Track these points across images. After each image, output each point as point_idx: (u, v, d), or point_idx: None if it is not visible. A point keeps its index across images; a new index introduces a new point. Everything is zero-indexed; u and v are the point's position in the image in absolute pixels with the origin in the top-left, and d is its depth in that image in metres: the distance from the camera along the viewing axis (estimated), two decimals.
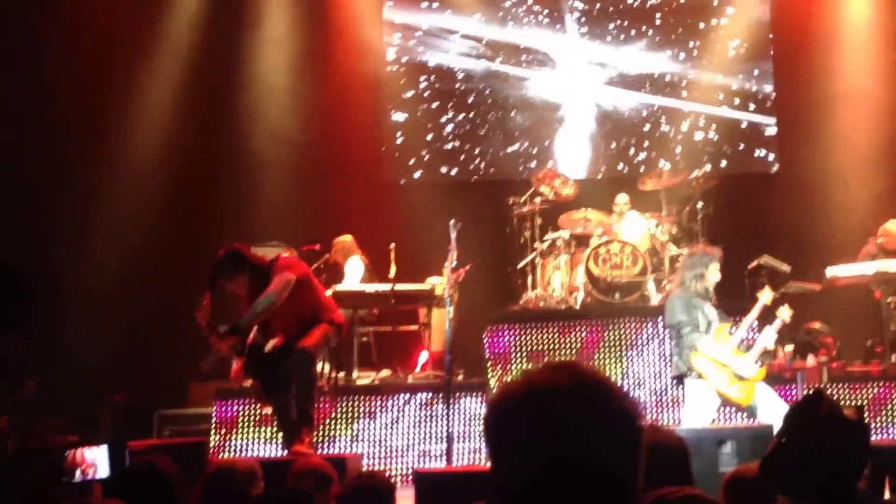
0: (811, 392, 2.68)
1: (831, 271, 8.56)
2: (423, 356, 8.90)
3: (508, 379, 1.81)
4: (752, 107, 11.26)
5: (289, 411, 6.56)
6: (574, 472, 1.54)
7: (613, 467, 1.56)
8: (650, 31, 11.39)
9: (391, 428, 7.97)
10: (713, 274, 6.69)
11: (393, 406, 8.01)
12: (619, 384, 1.67)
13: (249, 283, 6.47)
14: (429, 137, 11.41)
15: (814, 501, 2.47)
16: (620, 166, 11.30)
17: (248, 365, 6.53)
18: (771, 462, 2.62)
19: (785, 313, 6.76)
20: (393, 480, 7.21)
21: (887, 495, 4.41)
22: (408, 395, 8.05)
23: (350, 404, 8.01)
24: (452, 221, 7.17)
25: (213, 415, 8.03)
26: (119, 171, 10.25)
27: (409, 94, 11.46)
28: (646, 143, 11.28)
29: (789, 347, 8.06)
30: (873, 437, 7.39)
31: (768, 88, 11.23)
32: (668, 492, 2.51)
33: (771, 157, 11.19)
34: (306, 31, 11.14)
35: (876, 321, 8.71)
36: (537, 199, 9.45)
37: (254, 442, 7.92)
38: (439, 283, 8.45)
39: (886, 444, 6.44)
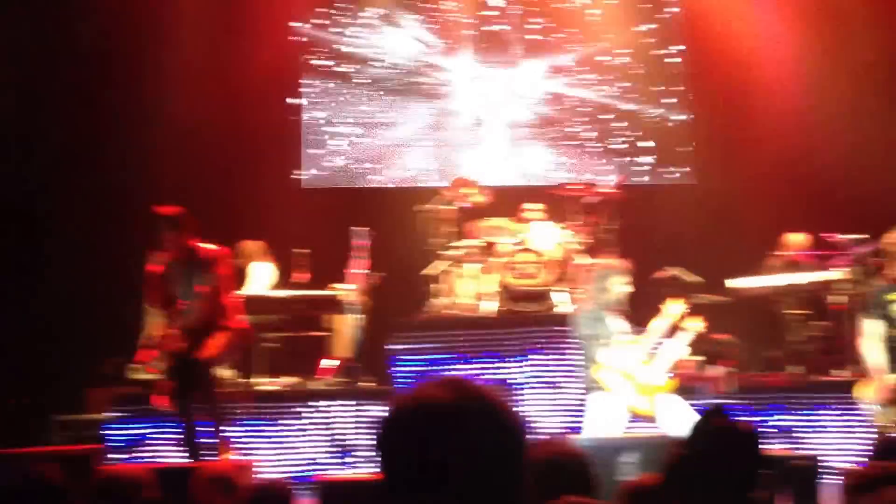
0: (710, 406, 2.74)
1: (733, 283, 8.76)
2: (331, 363, 8.78)
3: (407, 389, 1.84)
4: (667, 119, 11.44)
5: (193, 417, 6.43)
6: (460, 486, 1.61)
7: (498, 482, 1.63)
8: (571, 38, 11.48)
9: (296, 435, 7.83)
10: (618, 286, 6.72)
11: (298, 413, 7.88)
12: (507, 398, 1.74)
13: (181, 252, 6.39)
14: (341, 143, 11.29)
15: None
16: (534, 175, 11.35)
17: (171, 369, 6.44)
18: (672, 472, 2.65)
19: (695, 325, 6.83)
20: (297, 488, 7.10)
21: None
22: (314, 402, 7.93)
23: (255, 411, 7.84)
24: (366, 229, 7.10)
25: (114, 421, 7.80)
26: (14, 162, 9.88)
27: (320, 97, 11.31)
28: (560, 152, 11.36)
29: (697, 358, 8.16)
30: (775, 447, 7.53)
31: (684, 102, 11.41)
32: None
33: (684, 170, 11.36)
34: (219, 24, 10.89)
35: (779, 333, 8.92)
36: (449, 206, 9.40)
37: (159, 448, 7.70)
38: (349, 290, 8.37)
39: (785, 454, 6.55)
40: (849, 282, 8.26)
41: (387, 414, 1.70)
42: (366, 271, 8.51)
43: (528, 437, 1.70)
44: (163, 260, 6.57)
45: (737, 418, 2.74)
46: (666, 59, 11.48)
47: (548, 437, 7.37)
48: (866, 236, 8.04)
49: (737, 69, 10.89)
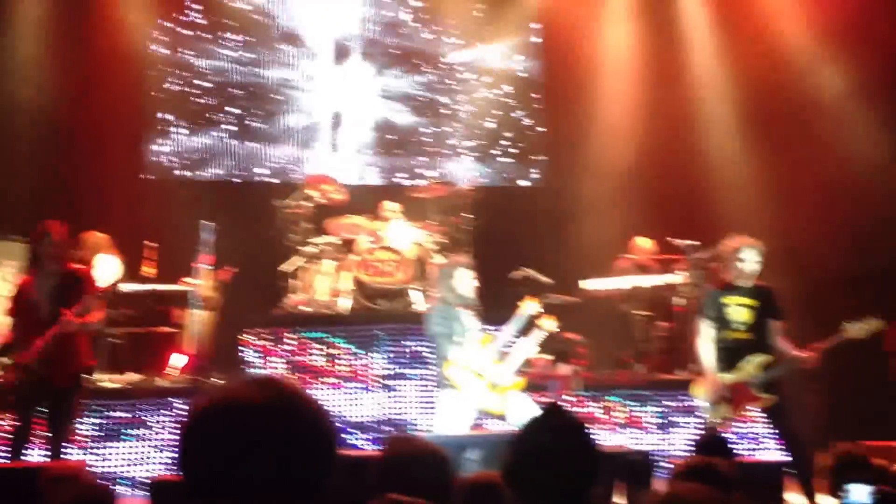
0: (545, 404, 2.76)
1: (585, 284, 8.99)
2: (179, 359, 8.56)
3: (216, 388, 1.82)
4: (523, 122, 11.64)
5: (30, 418, 6.25)
6: (262, 489, 1.56)
7: (303, 484, 1.59)
8: (437, 41, 11.54)
9: (139, 434, 7.61)
10: (463, 282, 6.76)
11: (141, 411, 7.66)
12: (317, 399, 1.68)
13: (53, 267, 6.26)
14: (194, 133, 11.02)
15: None
16: (391, 174, 11.36)
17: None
18: (508, 469, 2.66)
19: (547, 324, 6.93)
20: (133, 488, 6.94)
21: (619, 500, 4.60)
22: (158, 400, 7.73)
23: (98, 409, 7.58)
24: (211, 224, 6.94)
25: None
26: None
27: (174, 88, 10.99)
28: (416, 152, 11.41)
29: (547, 356, 8.32)
30: (613, 442, 7.76)
31: (540, 109, 11.63)
32: None
33: (537, 173, 11.58)
34: (64, 7, 10.44)
35: (625, 333, 9.20)
36: (306, 203, 9.33)
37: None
38: (197, 285, 8.20)
39: (620, 449, 6.74)
40: (689, 285, 8.59)
41: (191, 414, 1.63)
42: (212, 266, 8.35)
43: (338, 438, 1.67)
44: (34, 273, 6.42)
45: (571, 414, 2.76)
46: (526, 69, 11.67)
47: (398, 434, 7.39)
48: (699, 242, 8.42)
49: (589, 82, 11.20)
